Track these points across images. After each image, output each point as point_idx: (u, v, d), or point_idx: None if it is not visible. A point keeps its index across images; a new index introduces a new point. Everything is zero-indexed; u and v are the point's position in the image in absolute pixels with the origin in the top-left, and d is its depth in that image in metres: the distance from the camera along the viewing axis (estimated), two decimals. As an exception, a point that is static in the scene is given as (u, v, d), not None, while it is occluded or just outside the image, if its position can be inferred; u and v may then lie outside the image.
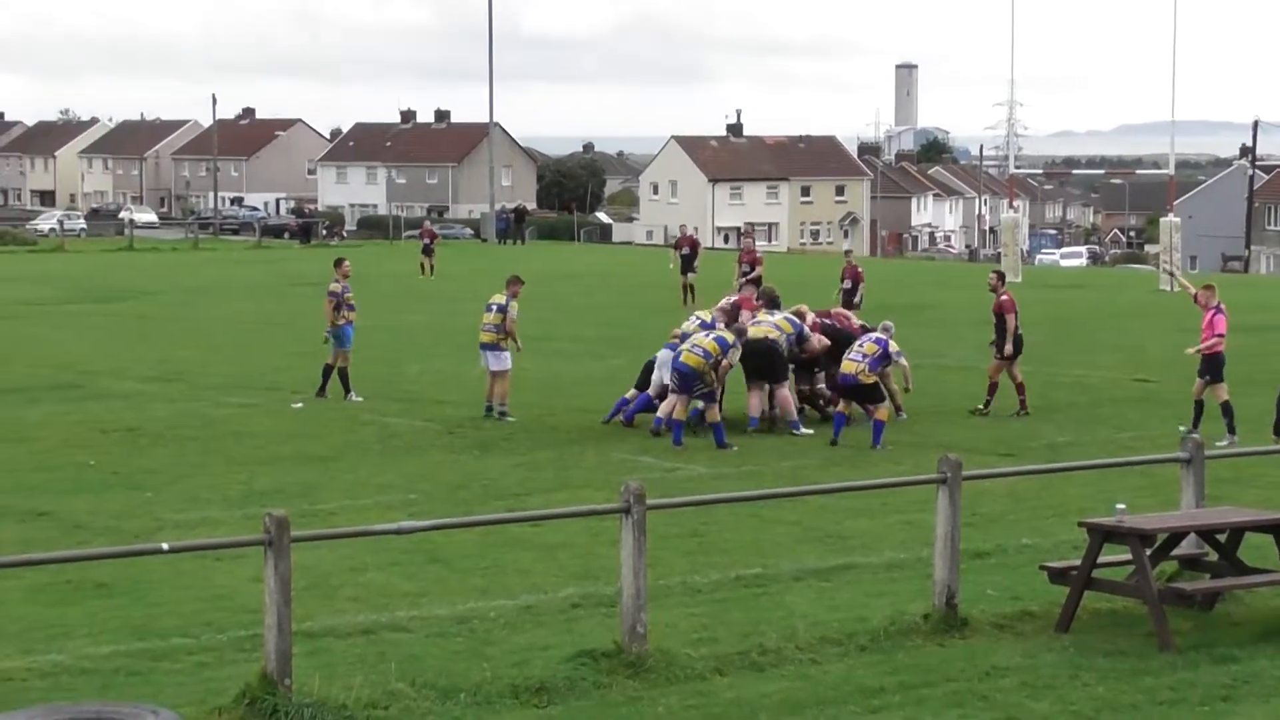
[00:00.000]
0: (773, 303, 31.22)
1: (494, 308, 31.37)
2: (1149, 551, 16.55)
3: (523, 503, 23.33)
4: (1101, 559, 16.71)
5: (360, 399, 33.10)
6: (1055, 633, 16.37)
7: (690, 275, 57.48)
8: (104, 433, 29.89)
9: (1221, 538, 17.34)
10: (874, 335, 29.19)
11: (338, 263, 34.56)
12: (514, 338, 31.26)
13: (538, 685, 14.42)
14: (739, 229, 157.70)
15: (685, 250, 58.93)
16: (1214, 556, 17.51)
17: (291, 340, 45.00)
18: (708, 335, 28.77)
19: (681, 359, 28.33)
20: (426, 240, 78.81)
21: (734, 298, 32.32)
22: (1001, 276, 33.18)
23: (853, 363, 28.41)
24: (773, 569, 19.26)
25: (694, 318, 31.36)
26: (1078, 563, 16.85)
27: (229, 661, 15.40)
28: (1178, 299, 64.15)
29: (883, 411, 28.54)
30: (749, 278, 42.73)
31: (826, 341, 30.31)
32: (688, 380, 28.19)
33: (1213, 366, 29.41)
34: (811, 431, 29.25)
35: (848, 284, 48.27)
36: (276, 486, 24.74)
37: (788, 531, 21.42)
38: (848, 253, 54.26)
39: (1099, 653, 15.68)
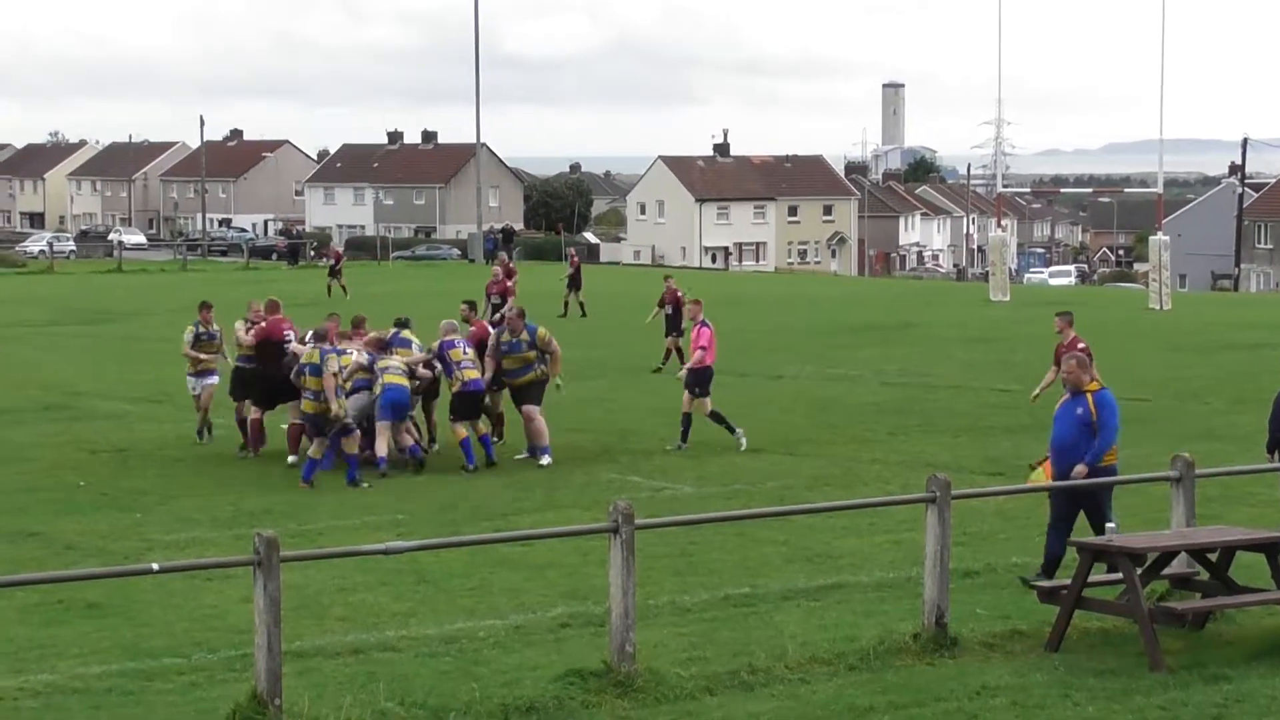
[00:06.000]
0: (383, 345, 28.99)
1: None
2: (1139, 570, 16.55)
3: (511, 523, 23.31)
4: (1092, 578, 16.71)
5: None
6: (1045, 652, 16.36)
7: (574, 293, 63.20)
8: (93, 453, 29.89)
9: (1212, 557, 17.34)
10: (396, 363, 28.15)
11: None
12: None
13: (527, 705, 14.41)
14: (725, 248, 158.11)
15: (571, 271, 64.56)
16: (1205, 575, 17.50)
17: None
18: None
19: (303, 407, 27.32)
20: (333, 261, 79.57)
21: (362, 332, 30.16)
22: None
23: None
24: (762, 588, 19.25)
25: (349, 349, 28.67)
26: (1068, 582, 16.85)
27: (219, 681, 15.39)
28: (1167, 318, 64.31)
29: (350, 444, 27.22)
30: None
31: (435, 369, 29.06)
32: (316, 424, 27.06)
33: (700, 380, 29.94)
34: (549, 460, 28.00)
35: (668, 309, 44.73)
36: (265, 507, 24.74)
37: (776, 551, 21.41)
38: (667, 277, 48.65)
39: (1089, 672, 15.66)
